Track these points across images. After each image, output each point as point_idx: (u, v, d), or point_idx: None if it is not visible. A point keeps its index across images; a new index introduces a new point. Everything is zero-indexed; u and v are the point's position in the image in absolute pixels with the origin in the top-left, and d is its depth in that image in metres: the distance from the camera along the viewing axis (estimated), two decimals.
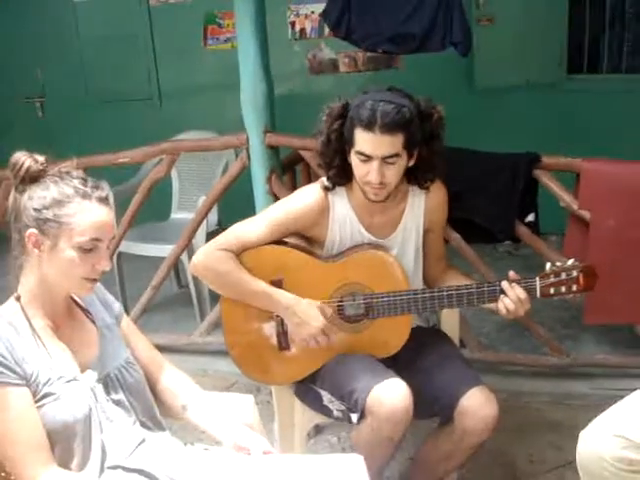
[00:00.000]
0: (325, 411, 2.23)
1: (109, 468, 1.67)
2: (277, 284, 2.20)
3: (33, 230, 1.61)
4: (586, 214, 2.83)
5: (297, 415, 2.40)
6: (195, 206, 3.84)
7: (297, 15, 5.23)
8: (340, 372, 2.16)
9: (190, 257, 3.13)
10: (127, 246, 4.05)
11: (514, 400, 3.05)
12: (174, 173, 4.57)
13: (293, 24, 5.26)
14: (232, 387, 3.30)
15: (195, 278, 3.52)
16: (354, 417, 2.08)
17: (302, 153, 3.22)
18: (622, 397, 1.91)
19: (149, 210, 3.77)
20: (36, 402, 1.60)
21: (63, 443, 1.62)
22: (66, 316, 1.76)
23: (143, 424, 1.79)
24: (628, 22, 4.91)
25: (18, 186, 1.65)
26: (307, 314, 2.16)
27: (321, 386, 2.22)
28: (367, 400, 2.00)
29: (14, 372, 1.57)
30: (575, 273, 2.08)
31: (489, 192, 2.93)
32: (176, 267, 4.28)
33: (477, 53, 4.50)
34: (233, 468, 1.70)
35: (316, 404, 2.26)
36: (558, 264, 2.10)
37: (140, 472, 1.68)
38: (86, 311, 1.82)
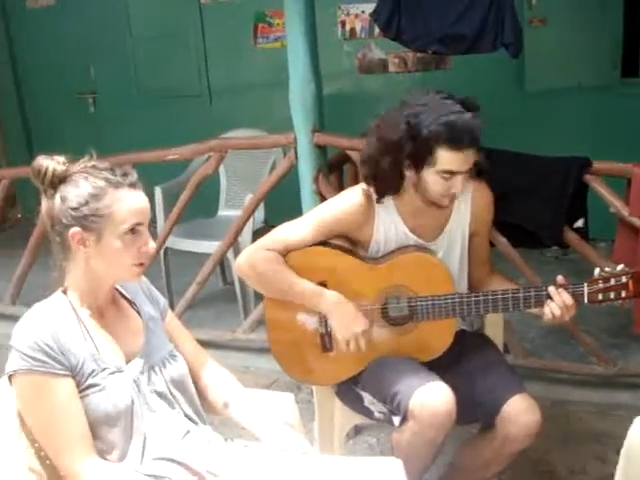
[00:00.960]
0: (366, 412, 2.23)
1: (151, 459, 1.69)
2: (321, 286, 2.20)
3: (76, 229, 1.63)
4: (636, 221, 2.77)
5: (337, 415, 2.40)
6: (242, 204, 3.86)
7: (347, 15, 5.22)
8: (383, 374, 2.15)
9: (236, 254, 3.16)
10: (174, 242, 4.10)
11: (557, 408, 2.99)
12: (222, 170, 4.60)
13: (343, 23, 5.25)
14: (273, 385, 3.31)
15: None
16: (396, 420, 2.07)
17: (350, 153, 3.21)
18: None
19: (196, 207, 3.81)
20: (80, 393, 1.63)
21: (104, 434, 1.65)
22: (112, 307, 1.79)
23: (187, 416, 1.80)
24: None
25: (47, 191, 1.66)
26: (350, 315, 2.16)
27: (363, 388, 2.22)
28: (410, 403, 1.99)
29: (59, 362, 1.60)
30: (625, 279, 2.04)
31: (538, 196, 2.89)
32: (222, 264, 4.30)
33: (528, 54, 4.43)
34: (272, 467, 1.70)
35: (357, 405, 2.26)
36: (607, 270, 2.06)
37: (181, 464, 1.69)
38: (132, 303, 1.85)
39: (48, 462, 1.67)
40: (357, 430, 3.00)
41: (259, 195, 3.50)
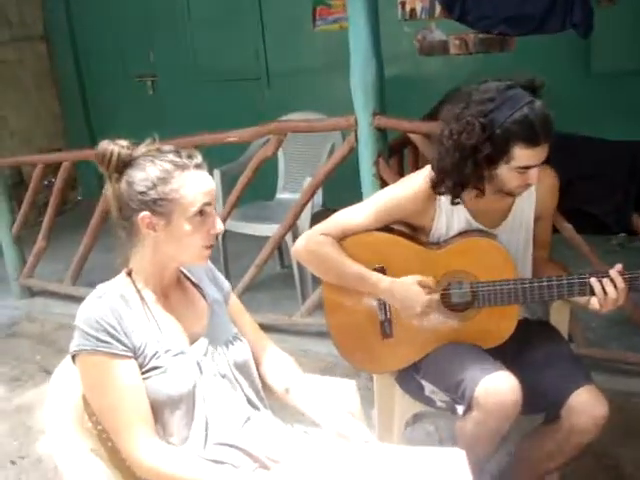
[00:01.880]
0: (427, 401, 2.20)
1: (213, 444, 1.68)
2: (380, 272, 2.17)
3: (145, 213, 1.63)
4: None
5: (397, 403, 2.38)
6: (300, 187, 3.85)
7: None
8: (445, 362, 2.12)
9: (294, 238, 3.15)
10: (233, 225, 4.11)
11: (622, 401, 2.89)
12: (280, 153, 4.59)
13: (403, 4, 5.16)
14: (331, 369, 3.30)
15: None
16: (460, 409, 2.03)
17: (411, 136, 3.17)
18: None
19: (255, 190, 3.81)
20: (142, 374, 1.63)
21: (166, 416, 1.65)
22: (177, 289, 1.79)
23: (249, 400, 1.80)
24: None
25: (112, 175, 1.65)
26: (409, 292, 2.12)
27: (424, 377, 2.18)
28: (475, 392, 1.95)
29: (122, 344, 1.61)
30: None
31: (604, 181, 2.83)
32: (280, 247, 4.31)
33: (595, 35, 4.30)
34: (332, 454, 1.69)
35: (418, 393, 2.23)
36: None
37: (242, 451, 1.69)
38: (197, 286, 1.85)
39: (110, 444, 1.68)
40: (416, 418, 2.96)
41: (318, 178, 3.48)
